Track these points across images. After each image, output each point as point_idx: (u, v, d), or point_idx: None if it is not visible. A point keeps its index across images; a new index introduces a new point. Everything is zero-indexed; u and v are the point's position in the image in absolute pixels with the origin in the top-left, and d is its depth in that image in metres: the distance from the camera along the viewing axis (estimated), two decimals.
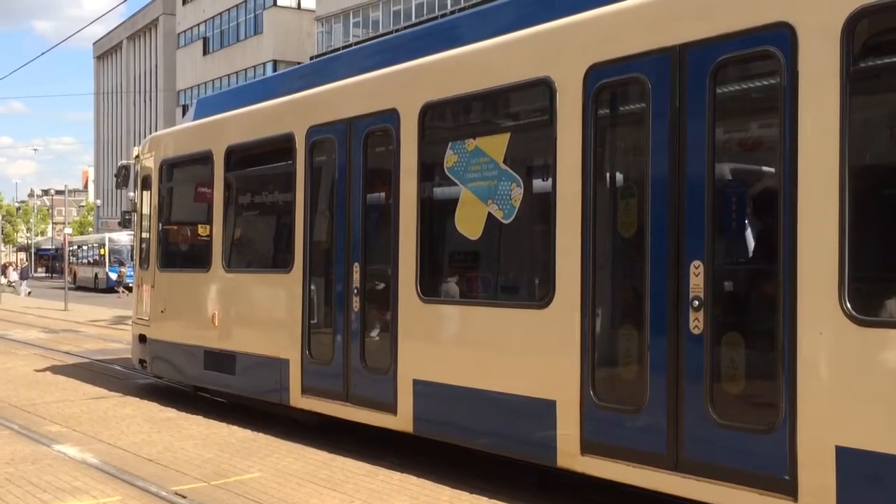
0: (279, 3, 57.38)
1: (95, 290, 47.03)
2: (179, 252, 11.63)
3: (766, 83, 5.35)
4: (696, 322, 5.30)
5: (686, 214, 5.40)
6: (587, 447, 5.90)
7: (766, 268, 5.24)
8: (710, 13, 5.36)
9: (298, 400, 8.60)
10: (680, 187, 5.44)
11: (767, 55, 5.07)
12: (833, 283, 4.67)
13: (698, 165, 5.36)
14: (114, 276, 46.02)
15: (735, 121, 5.64)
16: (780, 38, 4.96)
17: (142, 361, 11.82)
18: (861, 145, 4.85)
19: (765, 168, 5.45)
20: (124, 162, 13.21)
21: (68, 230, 41.40)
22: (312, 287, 8.60)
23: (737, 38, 5.19)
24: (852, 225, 4.66)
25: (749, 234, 5.56)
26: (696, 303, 5.30)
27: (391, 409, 7.48)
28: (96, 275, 48.77)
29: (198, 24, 65.65)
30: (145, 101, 74.82)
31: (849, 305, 4.62)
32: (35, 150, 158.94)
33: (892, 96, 4.97)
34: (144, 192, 11.96)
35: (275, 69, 51.31)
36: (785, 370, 4.88)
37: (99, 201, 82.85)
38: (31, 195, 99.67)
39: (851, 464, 4.59)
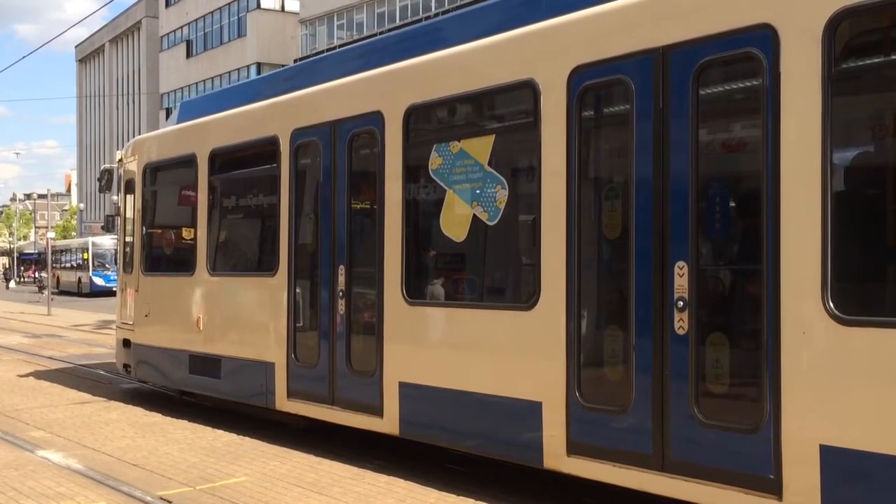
0: (263, 5, 57.29)
1: (79, 294, 46.75)
2: (163, 256, 11.57)
3: (748, 84, 5.37)
4: (681, 322, 5.32)
5: (670, 215, 5.42)
6: (573, 448, 5.91)
7: (749, 268, 5.27)
8: (693, 15, 5.39)
9: (284, 403, 8.57)
10: (664, 188, 5.46)
11: (750, 57, 5.09)
12: (816, 283, 4.70)
13: (682, 167, 5.38)
14: (98, 280, 45.76)
15: (718, 122, 5.66)
16: (763, 39, 4.99)
17: (126, 366, 11.76)
18: (843, 146, 4.89)
19: (748, 169, 5.47)
20: (107, 166, 13.14)
21: (51, 234, 41.04)
22: (298, 290, 8.58)
23: (719, 40, 5.21)
24: (835, 225, 4.68)
25: (733, 234, 5.58)
26: (681, 303, 5.32)
27: (377, 411, 7.47)
28: (80, 279, 48.47)
29: (181, 27, 65.42)
30: (128, 105, 74.49)
31: (832, 305, 4.65)
32: (17, 154, 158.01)
33: (873, 97, 5.01)
34: (128, 196, 11.90)
35: (259, 72, 51.21)
36: (769, 370, 4.90)
37: (82, 205, 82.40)
38: (13, 199, 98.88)
39: (836, 463, 4.62)
